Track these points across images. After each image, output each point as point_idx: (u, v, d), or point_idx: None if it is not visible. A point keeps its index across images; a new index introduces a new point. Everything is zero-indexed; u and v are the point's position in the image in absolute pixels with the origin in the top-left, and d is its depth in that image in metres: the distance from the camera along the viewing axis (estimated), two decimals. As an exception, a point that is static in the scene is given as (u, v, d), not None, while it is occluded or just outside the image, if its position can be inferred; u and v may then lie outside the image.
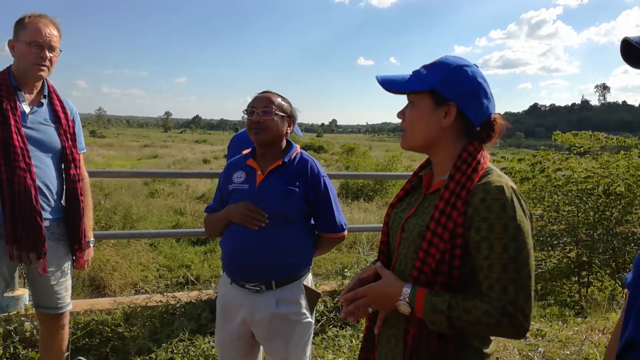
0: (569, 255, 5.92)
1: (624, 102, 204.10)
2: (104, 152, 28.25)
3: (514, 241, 1.15)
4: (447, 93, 1.26)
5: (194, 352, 3.04)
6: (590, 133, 6.48)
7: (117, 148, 34.86)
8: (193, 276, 6.26)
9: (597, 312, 4.25)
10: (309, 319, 2.09)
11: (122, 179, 11.83)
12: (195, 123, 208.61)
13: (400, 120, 1.35)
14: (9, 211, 2.13)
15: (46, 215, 2.26)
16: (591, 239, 5.72)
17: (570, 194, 5.90)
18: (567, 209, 5.95)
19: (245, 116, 2.09)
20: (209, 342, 3.10)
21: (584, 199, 5.86)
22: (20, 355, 2.92)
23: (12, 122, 2.14)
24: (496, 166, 1.32)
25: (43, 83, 2.33)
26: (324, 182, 2.08)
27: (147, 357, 3.00)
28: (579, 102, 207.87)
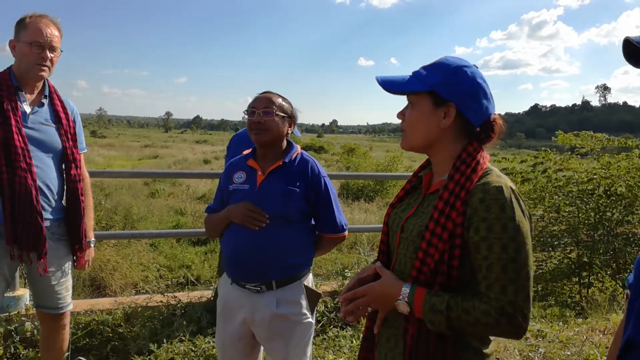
0: (569, 256, 5.91)
1: (625, 103, 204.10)
2: (105, 152, 28.26)
3: (513, 241, 1.15)
4: (446, 94, 1.26)
5: (194, 352, 3.04)
6: (592, 134, 6.47)
7: (118, 148, 34.88)
8: (193, 276, 6.27)
9: (598, 312, 4.24)
10: (310, 319, 2.09)
11: (122, 179, 11.84)
12: (196, 123, 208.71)
13: (400, 121, 1.35)
14: (9, 211, 2.14)
15: (47, 215, 2.26)
16: (592, 239, 5.72)
17: (571, 195, 5.89)
18: (567, 210, 5.94)
19: (246, 116, 2.09)
20: (210, 342, 3.10)
21: (585, 199, 5.85)
22: (21, 355, 2.92)
23: (13, 122, 2.14)
24: (497, 167, 1.32)
25: (44, 83, 2.33)
26: (325, 182, 2.08)
27: (148, 358, 3.00)
28: (580, 103, 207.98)
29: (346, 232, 2.16)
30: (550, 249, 6.02)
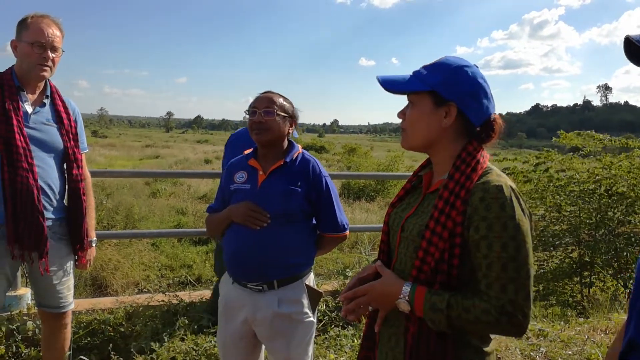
0: (571, 255, 5.91)
1: (626, 103, 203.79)
2: (106, 152, 28.28)
3: (513, 240, 1.15)
4: (447, 93, 1.26)
5: (196, 351, 3.05)
6: (593, 134, 6.46)
7: (119, 148, 34.89)
8: (195, 276, 6.28)
9: (599, 312, 4.24)
10: (311, 319, 2.10)
11: (124, 179, 11.85)
12: (197, 123, 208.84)
13: (401, 120, 1.36)
14: (11, 211, 2.14)
15: (48, 215, 2.27)
16: (593, 239, 5.71)
17: (572, 195, 5.89)
18: (569, 210, 5.93)
19: (247, 116, 2.09)
20: (211, 341, 3.10)
21: (586, 199, 5.85)
22: (23, 354, 2.93)
23: (15, 122, 2.15)
24: (499, 166, 1.32)
25: (45, 83, 2.34)
26: (326, 182, 2.09)
27: (149, 357, 3.01)
28: (581, 103, 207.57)
29: (347, 232, 2.16)
30: (552, 248, 6.01)
